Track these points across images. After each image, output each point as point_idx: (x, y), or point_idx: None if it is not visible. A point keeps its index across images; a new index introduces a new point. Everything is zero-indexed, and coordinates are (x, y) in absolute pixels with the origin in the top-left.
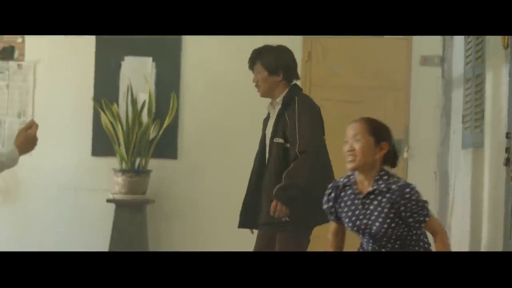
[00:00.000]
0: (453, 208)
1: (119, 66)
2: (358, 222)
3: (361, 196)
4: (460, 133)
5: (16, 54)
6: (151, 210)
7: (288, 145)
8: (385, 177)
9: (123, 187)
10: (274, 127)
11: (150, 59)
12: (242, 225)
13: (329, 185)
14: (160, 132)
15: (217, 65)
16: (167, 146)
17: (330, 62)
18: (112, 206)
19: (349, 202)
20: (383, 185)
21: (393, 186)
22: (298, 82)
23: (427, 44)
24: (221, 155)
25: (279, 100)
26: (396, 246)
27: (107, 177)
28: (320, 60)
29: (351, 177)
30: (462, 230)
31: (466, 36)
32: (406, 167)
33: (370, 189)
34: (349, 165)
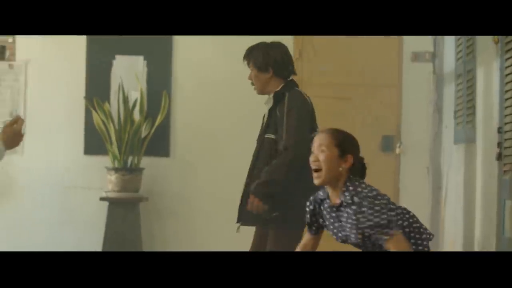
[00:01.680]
0: (446, 203)
1: (110, 65)
2: (340, 234)
3: (334, 209)
4: (452, 129)
5: (7, 54)
6: (144, 208)
7: None
8: (351, 188)
9: (116, 185)
10: (267, 123)
11: (141, 57)
12: (239, 219)
13: (310, 198)
14: (152, 130)
15: (208, 63)
16: (159, 144)
17: (322, 60)
18: (105, 205)
19: (327, 216)
20: (348, 197)
21: (355, 199)
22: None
23: (417, 41)
24: (213, 153)
25: (271, 96)
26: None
27: (100, 176)
28: (311, 58)
29: (326, 189)
30: (456, 224)
31: None
32: (399, 163)
33: (338, 202)
34: (316, 181)
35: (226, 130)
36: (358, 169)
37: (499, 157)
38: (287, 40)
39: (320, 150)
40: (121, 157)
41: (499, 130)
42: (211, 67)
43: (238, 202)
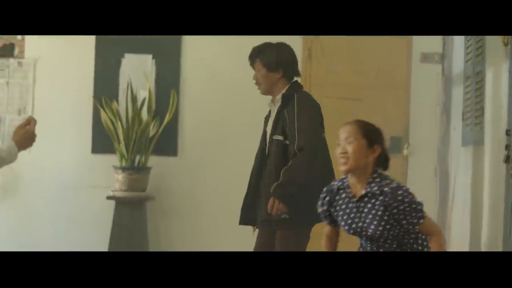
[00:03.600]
0: (454, 205)
1: (119, 63)
2: (354, 225)
3: (355, 199)
4: (460, 130)
5: (16, 52)
6: (151, 207)
7: (287, 142)
8: (378, 180)
9: (123, 184)
10: (274, 124)
11: (150, 56)
12: (242, 221)
13: (324, 189)
14: (160, 129)
15: (217, 62)
16: (167, 143)
17: (330, 60)
18: (112, 203)
19: (343, 206)
20: (375, 188)
21: (386, 189)
22: (299, 79)
23: (427, 42)
24: (221, 152)
25: (279, 97)
26: (394, 245)
27: (107, 175)
28: (320, 58)
29: (344, 180)
30: (462, 226)
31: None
32: (407, 164)
33: (363, 192)
34: (342, 168)
35: (234, 129)
36: (383, 160)
37: (507, 159)
38: (296, 40)
39: (347, 142)
40: (128, 156)
41: (508, 133)
42: (220, 66)
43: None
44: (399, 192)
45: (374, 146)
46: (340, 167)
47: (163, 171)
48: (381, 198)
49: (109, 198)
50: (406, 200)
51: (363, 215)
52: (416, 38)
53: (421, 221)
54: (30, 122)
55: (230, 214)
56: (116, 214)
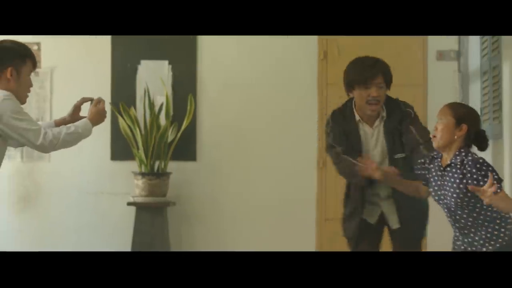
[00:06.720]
0: None
1: (136, 69)
2: (438, 192)
3: (441, 168)
4: None
5: None
6: (172, 213)
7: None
8: (464, 153)
9: (143, 190)
10: (389, 144)
11: (166, 62)
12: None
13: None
14: (179, 135)
15: (233, 66)
16: (186, 148)
17: (346, 60)
18: (133, 209)
19: (433, 173)
20: (459, 159)
21: (469, 158)
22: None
23: (442, 39)
24: (239, 155)
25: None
26: (470, 221)
27: (127, 181)
28: (336, 57)
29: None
30: None
31: None
32: None
33: (447, 162)
34: (433, 145)
35: (253, 132)
36: (476, 139)
37: None
38: (311, 40)
39: (439, 120)
40: (148, 162)
41: None
42: (236, 69)
43: (264, 203)
44: (480, 160)
45: (461, 125)
46: (433, 143)
47: (182, 176)
48: (462, 168)
49: (129, 204)
50: (484, 168)
51: (445, 183)
52: (431, 36)
53: (495, 191)
54: (100, 102)
55: (251, 217)
56: (137, 220)
